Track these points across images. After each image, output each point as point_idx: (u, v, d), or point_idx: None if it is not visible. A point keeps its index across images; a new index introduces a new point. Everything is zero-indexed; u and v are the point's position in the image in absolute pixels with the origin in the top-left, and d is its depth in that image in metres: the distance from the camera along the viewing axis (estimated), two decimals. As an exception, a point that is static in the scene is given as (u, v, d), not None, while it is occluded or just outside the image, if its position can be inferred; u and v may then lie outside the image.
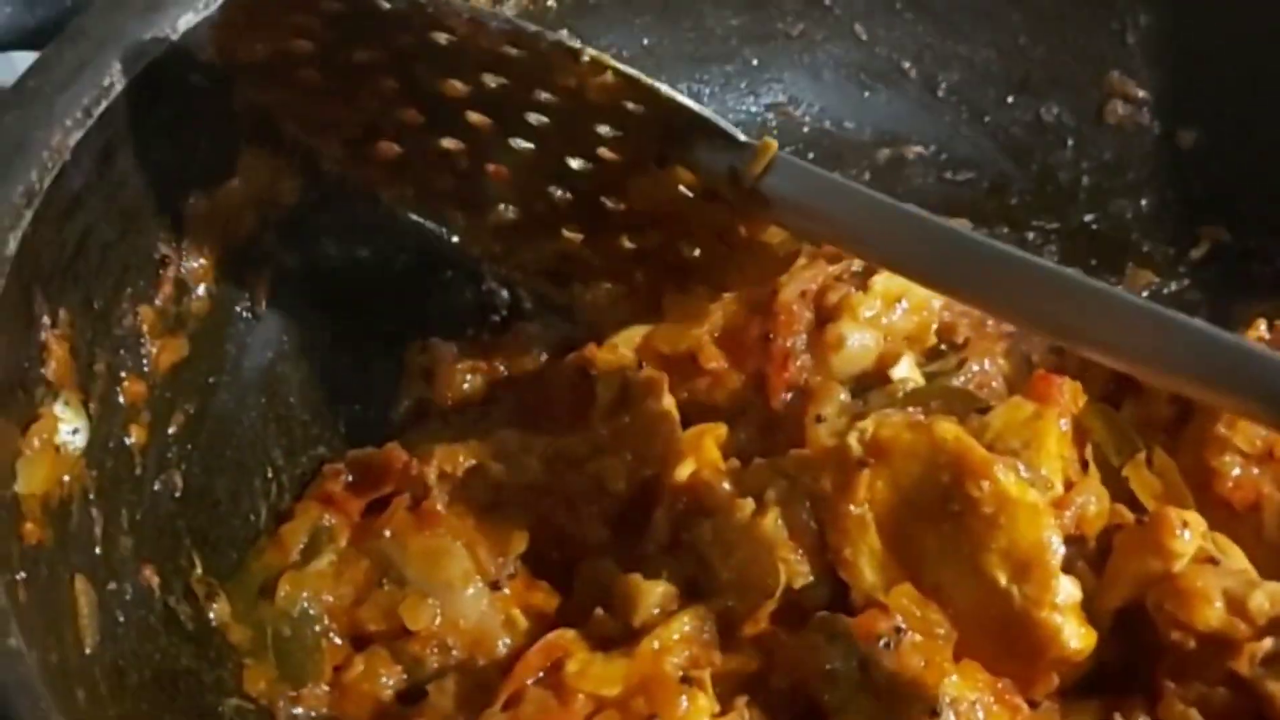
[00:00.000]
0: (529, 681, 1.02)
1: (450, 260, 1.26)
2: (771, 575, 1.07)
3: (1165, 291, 1.33)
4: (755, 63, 1.40)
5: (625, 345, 1.18)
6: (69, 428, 0.95)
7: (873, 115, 1.40)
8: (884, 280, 1.19)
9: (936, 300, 1.20)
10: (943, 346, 1.22)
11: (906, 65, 1.39)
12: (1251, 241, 1.30)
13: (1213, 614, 1.00)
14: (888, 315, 1.18)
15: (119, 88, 1.02)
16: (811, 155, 1.39)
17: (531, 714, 0.99)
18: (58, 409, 0.94)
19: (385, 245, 1.24)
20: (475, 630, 1.08)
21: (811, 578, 1.08)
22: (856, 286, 1.19)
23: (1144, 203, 1.36)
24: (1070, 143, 1.37)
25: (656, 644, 1.02)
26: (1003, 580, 1.03)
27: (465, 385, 1.22)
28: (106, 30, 1.03)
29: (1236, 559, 1.06)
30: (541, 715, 0.99)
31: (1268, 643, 1.00)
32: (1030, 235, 1.37)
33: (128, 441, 1.04)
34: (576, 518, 1.11)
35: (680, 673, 1.02)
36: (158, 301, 1.09)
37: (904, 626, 1.05)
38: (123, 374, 1.05)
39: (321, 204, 1.19)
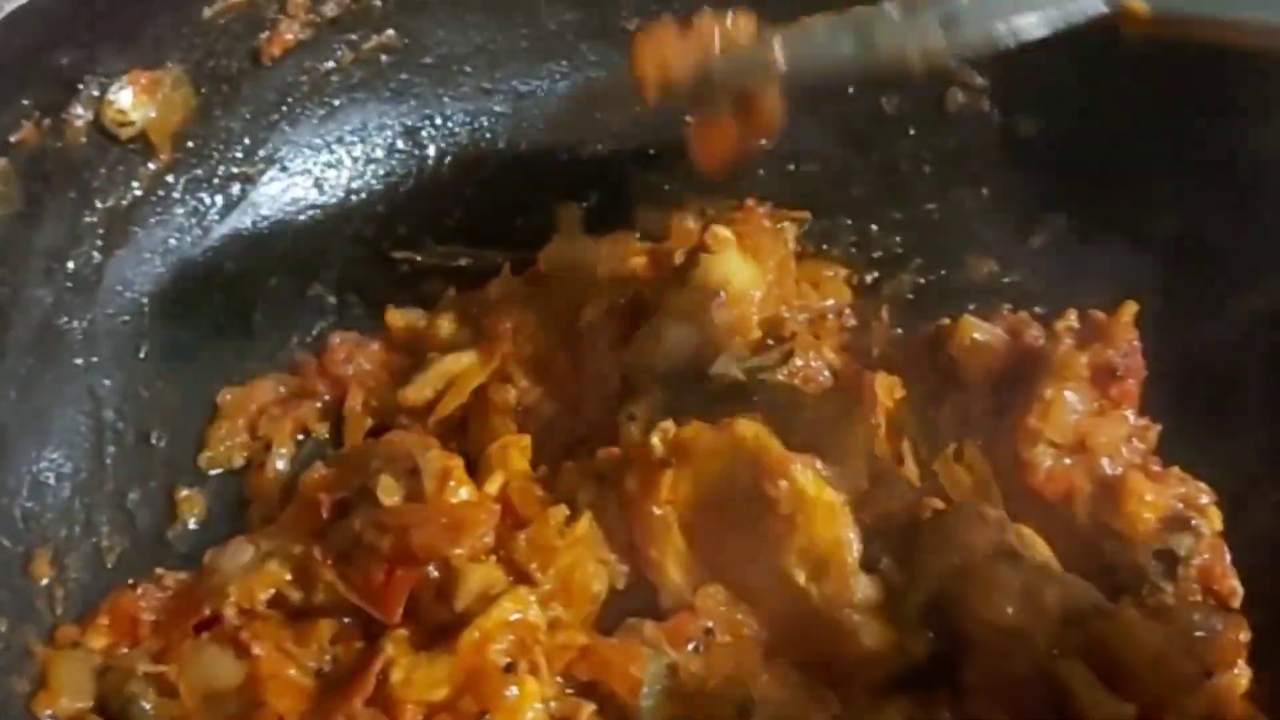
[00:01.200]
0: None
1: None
2: (596, 580, 1.06)
3: (1005, 280, 1.32)
4: (593, 58, 1.38)
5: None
6: None
7: (713, 108, 1.38)
8: (700, 274, 1.17)
9: (756, 292, 1.19)
10: (769, 341, 1.20)
11: (746, 57, 1.36)
12: (1091, 230, 1.29)
13: (1010, 608, 0.99)
14: (705, 309, 1.17)
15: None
16: (652, 150, 1.37)
17: None
18: None
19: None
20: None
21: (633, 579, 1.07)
22: (675, 281, 1.17)
23: (985, 191, 1.35)
24: (911, 132, 1.36)
25: (477, 634, 1.01)
26: (801, 579, 1.02)
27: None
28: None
29: (1039, 550, 1.05)
30: None
31: (1067, 636, 0.99)
32: (873, 226, 1.35)
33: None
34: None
35: (505, 660, 1.01)
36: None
37: (712, 628, 1.04)
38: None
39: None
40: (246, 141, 1.29)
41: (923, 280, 1.35)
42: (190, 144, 1.25)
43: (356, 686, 1.00)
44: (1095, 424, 1.10)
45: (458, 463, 1.09)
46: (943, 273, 1.36)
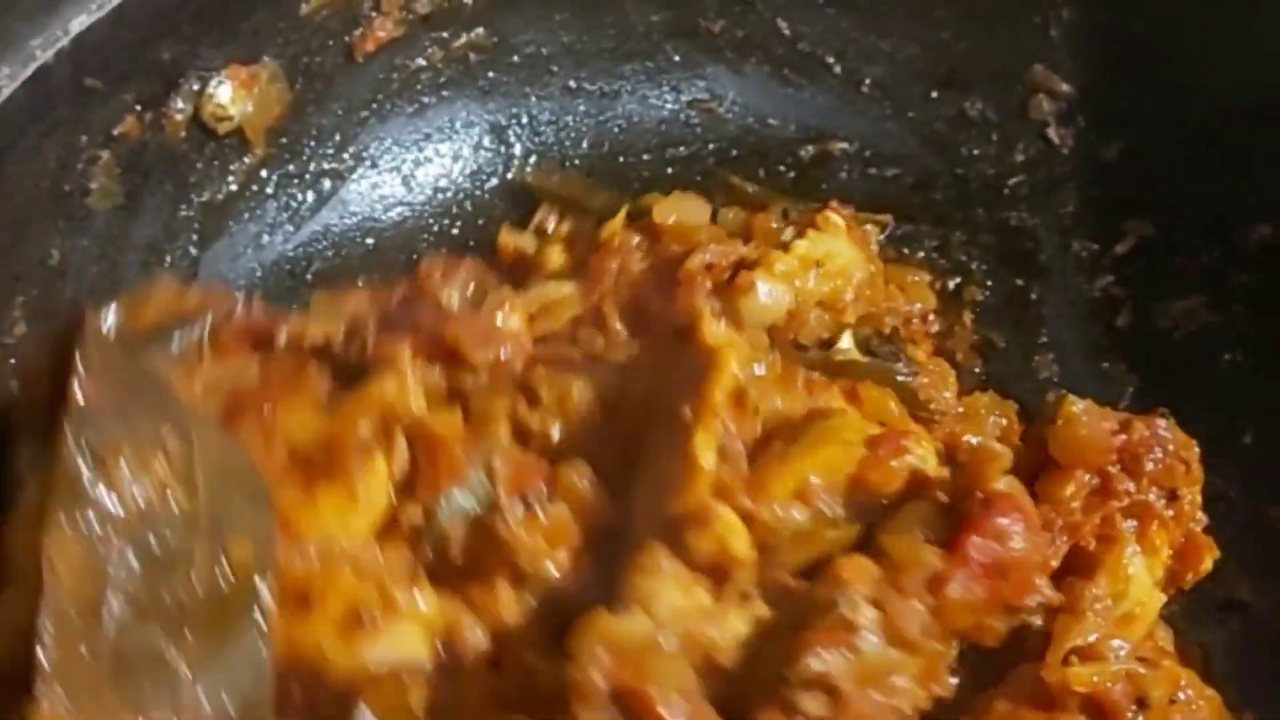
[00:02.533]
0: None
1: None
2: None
3: (1090, 286, 1.31)
4: (677, 59, 1.38)
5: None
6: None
7: (796, 111, 1.39)
8: (806, 245, 1.20)
9: (856, 273, 1.21)
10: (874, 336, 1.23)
11: (830, 60, 1.37)
12: (1176, 236, 1.28)
13: None
14: (802, 278, 1.19)
15: (7, 92, 1.01)
16: (735, 152, 1.37)
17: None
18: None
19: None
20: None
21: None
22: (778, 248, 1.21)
23: (1068, 198, 1.34)
24: (995, 138, 1.36)
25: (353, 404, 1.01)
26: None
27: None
28: (-6, 33, 1.02)
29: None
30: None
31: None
32: (955, 232, 1.35)
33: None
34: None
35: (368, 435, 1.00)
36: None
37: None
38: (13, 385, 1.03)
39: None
40: (338, 138, 1.29)
41: (1005, 286, 1.35)
42: (283, 139, 1.26)
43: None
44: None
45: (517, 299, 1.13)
46: (1021, 281, 1.35)
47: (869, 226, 1.33)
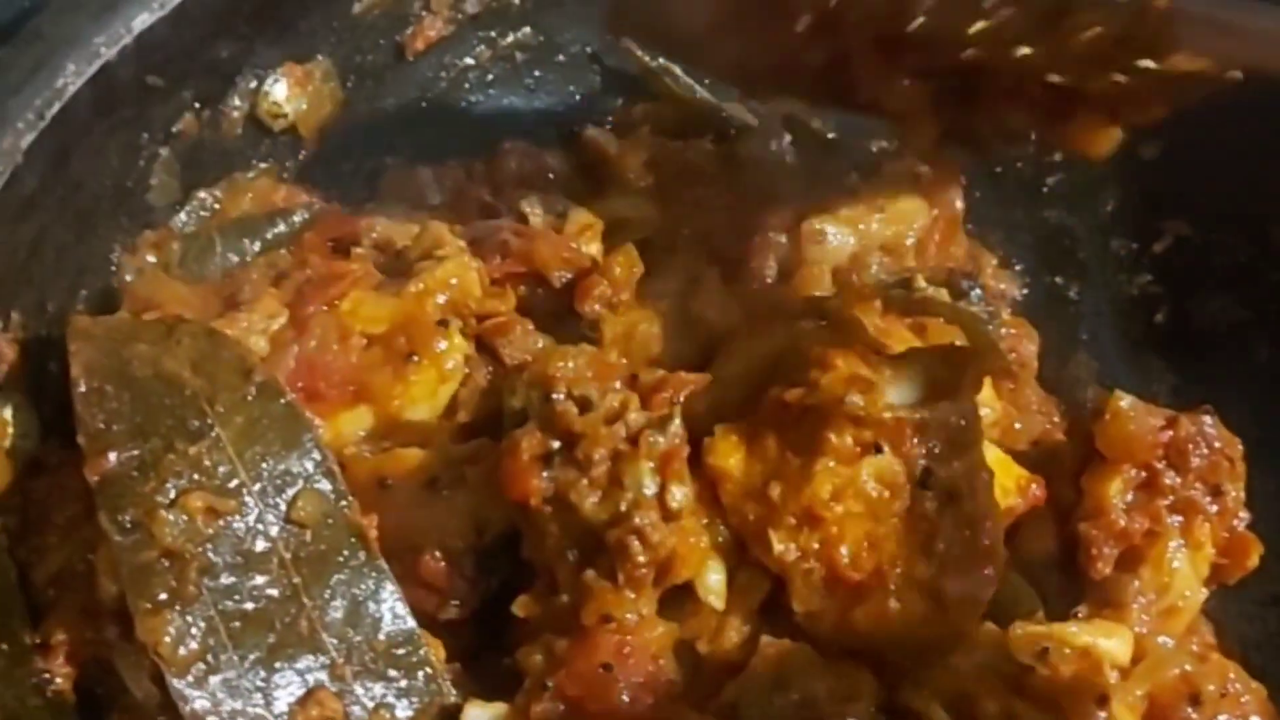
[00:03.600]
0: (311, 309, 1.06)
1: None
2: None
3: (1129, 284, 1.32)
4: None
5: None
6: (19, 431, 0.96)
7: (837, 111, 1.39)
8: (870, 190, 1.24)
9: (919, 220, 1.24)
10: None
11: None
12: (1212, 235, 1.30)
13: None
14: (866, 222, 1.22)
15: (73, 89, 1.02)
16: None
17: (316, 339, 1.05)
18: (7, 413, 0.95)
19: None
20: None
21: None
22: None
23: (1107, 197, 1.35)
24: (1033, 136, 1.36)
25: (421, 286, 1.07)
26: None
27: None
28: (61, 32, 1.04)
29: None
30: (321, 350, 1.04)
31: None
32: (994, 230, 1.36)
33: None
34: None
35: (440, 315, 1.07)
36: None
37: None
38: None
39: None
40: (388, 134, 1.31)
41: (1044, 284, 1.36)
42: (335, 136, 1.27)
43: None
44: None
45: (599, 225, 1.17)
46: (1060, 280, 1.36)
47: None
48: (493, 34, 1.32)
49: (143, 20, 1.07)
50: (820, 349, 1.01)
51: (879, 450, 0.98)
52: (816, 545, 0.97)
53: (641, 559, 0.97)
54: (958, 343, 1.09)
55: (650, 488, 0.98)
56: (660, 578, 0.99)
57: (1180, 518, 1.06)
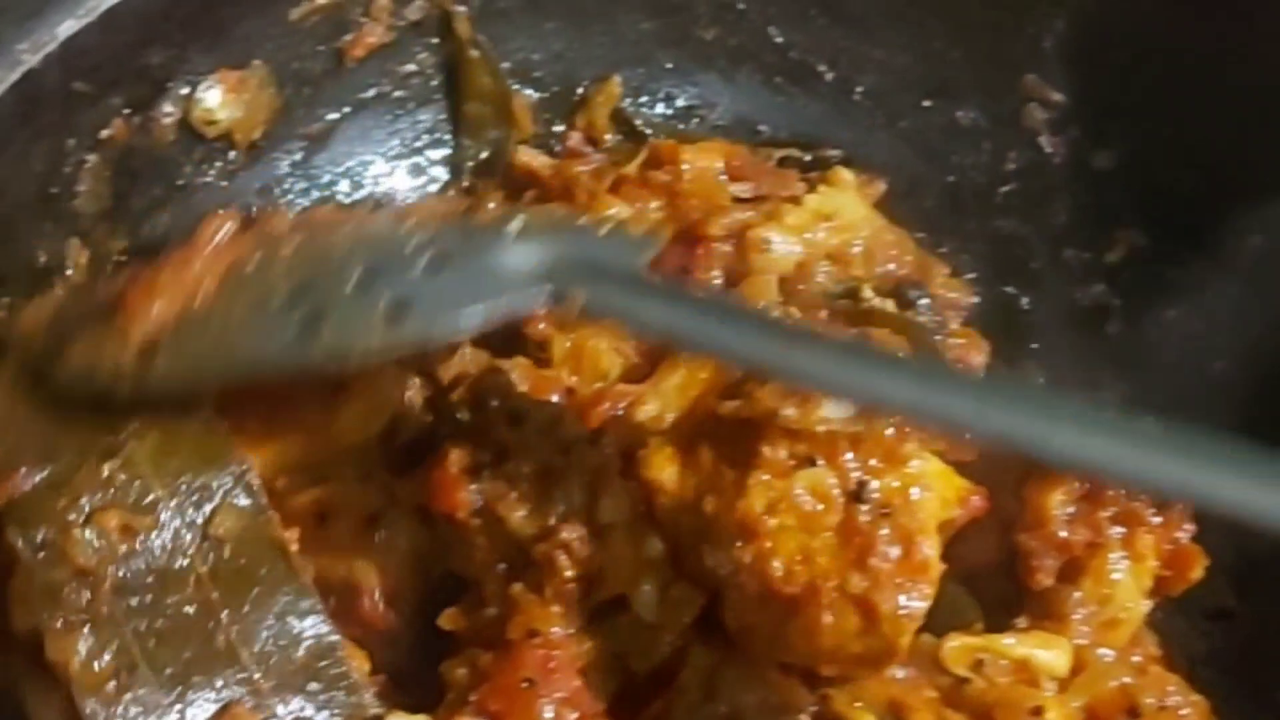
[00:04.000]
0: None
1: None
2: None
3: (1082, 294, 1.31)
4: (669, 66, 1.38)
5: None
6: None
7: (788, 119, 1.39)
8: (817, 200, 1.23)
9: (865, 230, 1.24)
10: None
11: (822, 69, 1.37)
12: (1166, 245, 1.28)
13: None
14: (812, 231, 1.22)
15: (-5, 95, 1.01)
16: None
17: None
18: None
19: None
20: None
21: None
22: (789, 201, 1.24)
23: (1060, 206, 1.34)
24: (986, 146, 1.36)
25: None
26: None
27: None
28: (-17, 37, 1.02)
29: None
30: None
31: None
32: (946, 239, 1.35)
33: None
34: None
35: None
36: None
37: None
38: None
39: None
40: (327, 142, 1.30)
41: (995, 294, 1.34)
42: (272, 143, 1.26)
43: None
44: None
45: None
46: (1012, 289, 1.35)
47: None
48: (435, 41, 1.30)
49: (69, 27, 1.06)
50: None
51: (813, 463, 0.97)
52: (749, 559, 0.96)
53: (569, 574, 0.96)
54: (900, 354, 1.08)
55: (578, 501, 0.97)
56: (589, 592, 0.97)
57: (1122, 529, 1.05)
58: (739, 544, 0.96)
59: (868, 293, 1.24)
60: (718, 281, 1.23)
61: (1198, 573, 1.06)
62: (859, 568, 0.95)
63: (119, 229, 1.16)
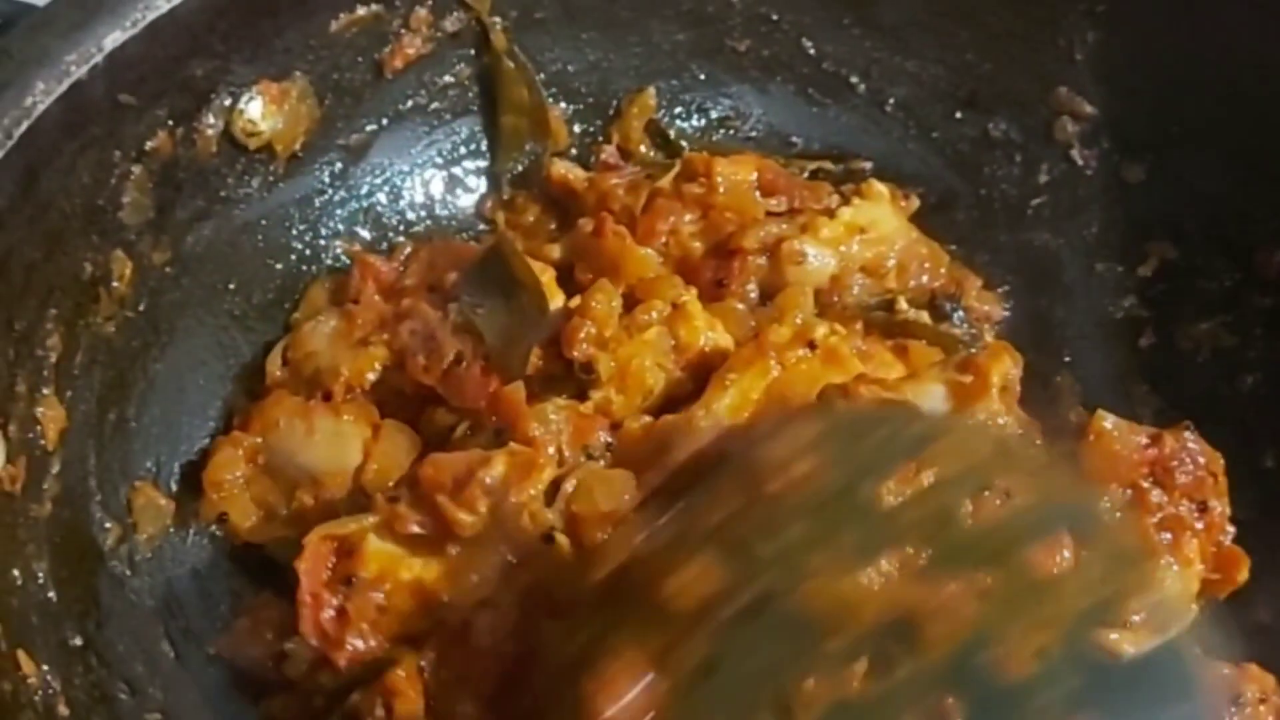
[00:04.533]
0: None
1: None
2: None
3: (1114, 307, 1.31)
4: (702, 77, 1.39)
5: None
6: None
7: (821, 130, 1.39)
8: (851, 213, 1.24)
9: (900, 241, 1.25)
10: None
11: (854, 80, 1.38)
12: (1198, 259, 1.29)
13: None
14: (847, 243, 1.23)
15: (42, 108, 1.01)
16: (759, 170, 1.37)
17: None
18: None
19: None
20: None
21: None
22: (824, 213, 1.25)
23: (1092, 219, 1.34)
24: (1018, 159, 1.36)
25: None
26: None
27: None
28: (30, 50, 1.03)
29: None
30: None
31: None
32: (978, 252, 1.35)
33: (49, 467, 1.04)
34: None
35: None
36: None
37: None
38: (43, 394, 1.04)
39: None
40: (367, 153, 1.30)
41: (1028, 306, 1.35)
42: (313, 154, 1.26)
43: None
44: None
45: (551, 273, 1.17)
46: (1044, 302, 1.35)
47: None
48: (472, 52, 1.31)
49: (114, 38, 1.06)
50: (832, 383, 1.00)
51: None
52: None
53: None
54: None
55: None
56: None
57: (1169, 535, 1.06)
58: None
59: (902, 305, 1.25)
60: (753, 295, 1.23)
61: (1244, 574, 1.07)
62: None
63: (162, 241, 1.16)
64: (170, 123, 1.14)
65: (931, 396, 1.01)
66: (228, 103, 1.18)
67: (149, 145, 1.13)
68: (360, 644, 0.99)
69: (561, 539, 1.00)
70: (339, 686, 1.01)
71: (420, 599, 1.00)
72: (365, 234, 1.31)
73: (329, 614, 1.00)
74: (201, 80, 1.15)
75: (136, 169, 1.12)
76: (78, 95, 1.04)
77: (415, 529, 1.00)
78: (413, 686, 0.97)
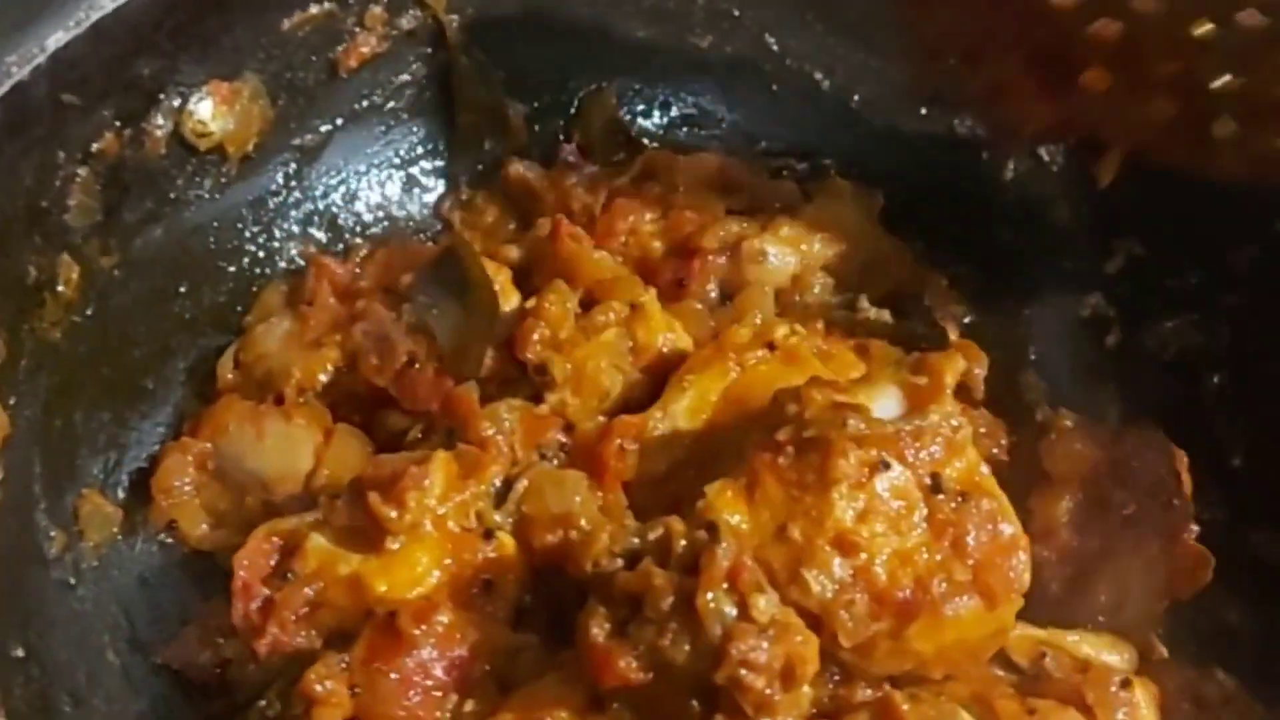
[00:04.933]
0: None
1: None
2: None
3: (1080, 305, 1.30)
4: (664, 75, 1.38)
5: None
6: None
7: (785, 127, 1.38)
8: (813, 211, 1.24)
9: (864, 239, 1.25)
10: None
11: (819, 77, 1.36)
12: (1165, 256, 1.27)
13: None
14: (808, 242, 1.23)
15: (-17, 109, 1.00)
16: (723, 166, 1.36)
17: None
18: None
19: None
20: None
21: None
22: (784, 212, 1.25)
23: (1059, 216, 1.33)
24: (984, 156, 1.34)
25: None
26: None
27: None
28: (-29, 50, 1.01)
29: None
30: None
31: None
32: (944, 250, 1.34)
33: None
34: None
35: None
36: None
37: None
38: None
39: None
40: (322, 153, 1.29)
41: (993, 304, 1.33)
42: (266, 154, 1.25)
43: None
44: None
45: (507, 273, 1.17)
46: (1010, 300, 1.34)
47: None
48: (429, 50, 1.29)
49: (58, 38, 1.05)
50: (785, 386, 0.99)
51: (887, 466, 0.95)
52: (851, 574, 0.94)
53: (760, 685, 0.89)
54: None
55: (731, 611, 0.91)
56: (787, 685, 0.91)
57: (1131, 533, 1.05)
58: (838, 560, 0.94)
59: (864, 304, 1.23)
60: (714, 294, 1.22)
61: (1207, 575, 1.06)
62: (958, 555, 0.94)
63: (110, 244, 1.14)
64: (117, 123, 1.13)
65: (886, 398, 1.00)
66: (177, 103, 1.17)
67: (95, 146, 1.12)
68: (278, 632, 0.98)
69: (505, 538, 0.98)
70: (259, 680, 1.00)
71: (356, 594, 0.99)
72: (321, 236, 1.29)
73: (255, 604, 1.00)
74: (149, 80, 1.14)
75: (82, 171, 1.11)
76: (19, 96, 1.03)
77: (347, 522, 0.99)
78: (336, 696, 0.95)
